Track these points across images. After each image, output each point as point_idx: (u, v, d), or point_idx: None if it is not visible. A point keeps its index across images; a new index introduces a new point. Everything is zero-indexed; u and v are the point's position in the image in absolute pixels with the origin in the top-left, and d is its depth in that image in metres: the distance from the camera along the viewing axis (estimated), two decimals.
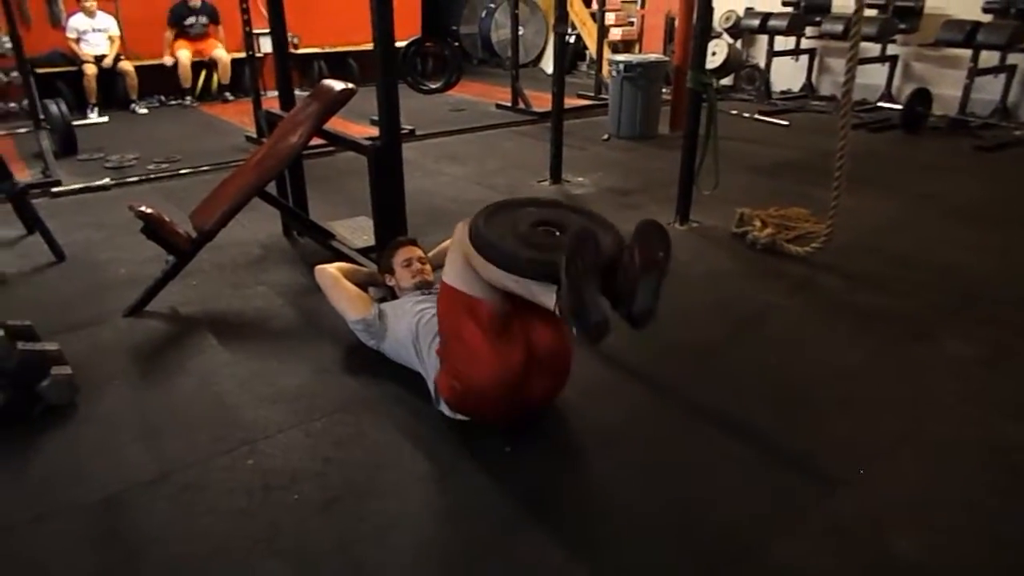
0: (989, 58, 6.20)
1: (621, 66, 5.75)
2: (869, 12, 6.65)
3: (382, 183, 2.76)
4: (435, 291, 2.47)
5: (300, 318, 2.86)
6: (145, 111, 7.11)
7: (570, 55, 9.55)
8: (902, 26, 6.81)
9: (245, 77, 7.82)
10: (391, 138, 2.70)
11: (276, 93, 3.54)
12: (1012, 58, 6.21)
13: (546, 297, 1.84)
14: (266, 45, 6.56)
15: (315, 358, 2.56)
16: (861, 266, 3.34)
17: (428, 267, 2.62)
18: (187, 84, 7.41)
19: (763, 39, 7.92)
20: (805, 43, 7.74)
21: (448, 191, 4.49)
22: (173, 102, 7.50)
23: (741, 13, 7.87)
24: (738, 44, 8.37)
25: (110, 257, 3.43)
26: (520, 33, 10.35)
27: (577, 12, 9.00)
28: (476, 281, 1.96)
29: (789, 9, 7.55)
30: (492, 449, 2.03)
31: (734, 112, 7.06)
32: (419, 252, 2.66)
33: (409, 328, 2.33)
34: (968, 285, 3.12)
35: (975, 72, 6.17)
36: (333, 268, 2.67)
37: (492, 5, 9.79)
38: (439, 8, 9.74)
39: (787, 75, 8.01)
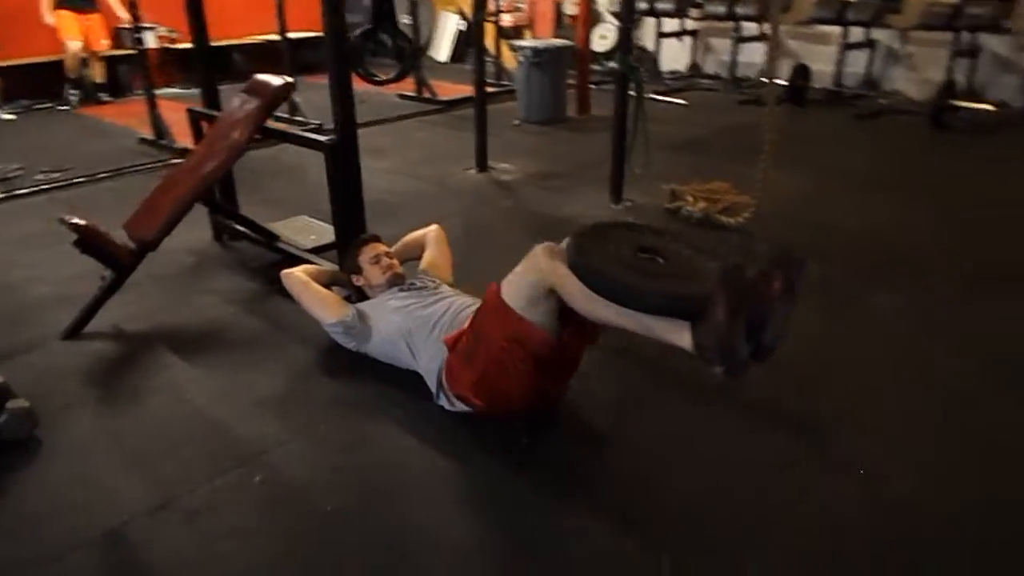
0: (856, 34, 6.77)
1: (529, 51, 5.81)
2: None
3: (341, 178, 2.68)
4: (415, 286, 2.45)
5: (260, 324, 2.74)
6: (11, 117, 6.44)
7: (460, 43, 9.55)
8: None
9: (120, 75, 7.30)
10: (347, 132, 2.62)
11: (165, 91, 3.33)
12: (875, 33, 6.80)
13: (676, 335, 1.69)
14: (148, 40, 6.19)
15: (290, 364, 2.47)
16: (788, 234, 3.57)
17: (396, 262, 2.58)
18: (73, 74, 6.75)
19: (650, 22, 8.24)
20: (689, 24, 8.11)
21: (379, 183, 4.38)
22: (42, 105, 6.84)
23: None
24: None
25: (24, 276, 3.13)
26: (406, 22, 10.26)
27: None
28: (543, 311, 1.86)
29: None
30: (503, 440, 2.03)
31: (632, 94, 7.30)
32: (384, 247, 2.61)
33: (399, 327, 2.29)
34: (884, 246, 3.43)
35: (845, 47, 6.73)
36: (300, 271, 2.58)
37: None
38: None
39: (673, 56, 8.36)
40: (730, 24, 7.60)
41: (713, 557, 1.65)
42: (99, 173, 4.63)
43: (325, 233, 3.24)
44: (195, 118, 3.27)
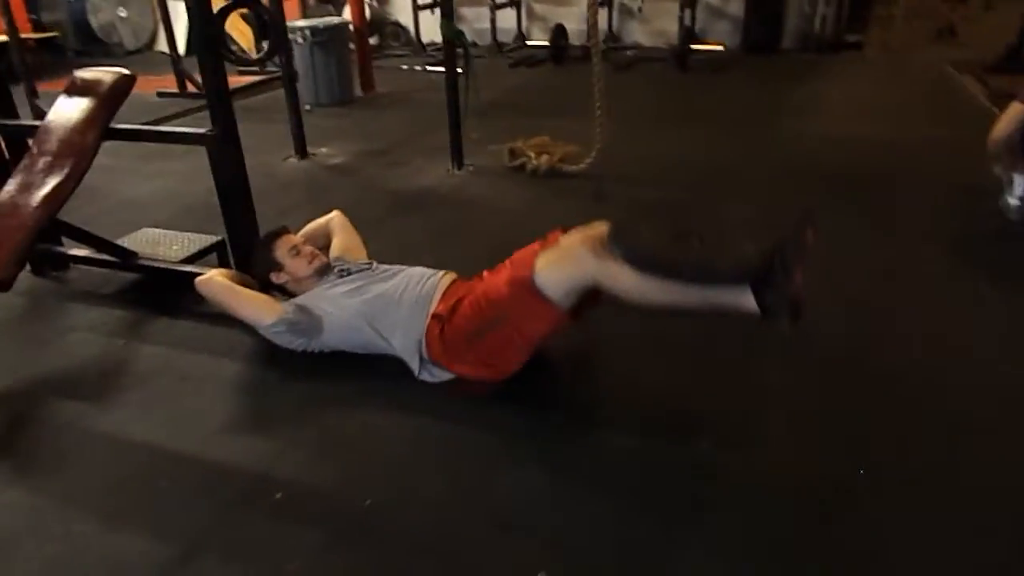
0: None
1: (308, 32, 5.55)
2: None
3: (226, 173, 2.44)
4: (351, 270, 2.34)
5: (164, 348, 2.41)
6: None
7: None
8: None
9: None
10: (227, 123, 2.38)
11: None
12: None
13: (740, 300, 1.76)
14: None
15: (230, 379, 2.23)
16: (626, 170, 3.95)
17: (317, 250, 2.43)
18: None
19: None
20: None
21: (201, 187, 3.97)
22: None
23: None
24: (375, 3, 8.60)
25: None
26: (123, 16, 9.11)
27: None
28: (573, 299, 1.92)
29: None
30: (505, 395, 2.05)
31: (405, 68, 7.33)
32: (297, 238, 2.45)
33: (357, 310, 2.18)
34: (709, 167, 3.95)
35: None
36: (219, 275, 2.32)
37: None
38: None
39: (429, 28, 8.45)
40: None
41: None
42: None
43: (189, 242, 2.91)
44: (5, 132, 2.70)
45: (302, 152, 4.46)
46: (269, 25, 2.44)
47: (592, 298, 1.97)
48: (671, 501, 1.67)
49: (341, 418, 2.03)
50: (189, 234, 2.98)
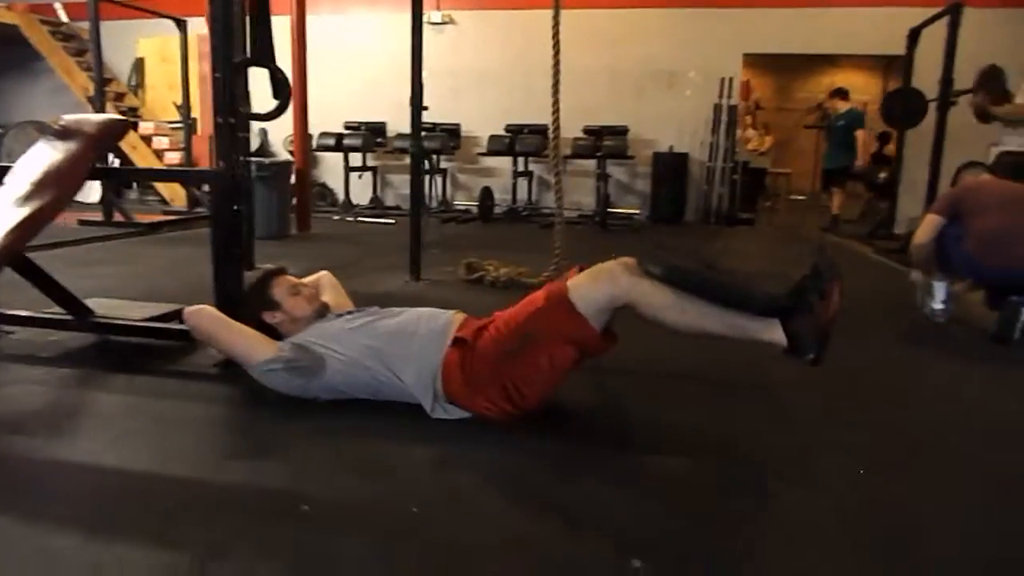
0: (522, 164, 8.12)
1: (254, 166, 5.63)
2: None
3: (227, 211, 2.35)
4: (353, 312, 2.23)
5: (129, 396, 2.12)
6: None
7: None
8: (451, 144, 8.32)
9: None
10: (234, 162, 2.34)
11: None
12: (532, 166, 8.23)
13: (768, 331, 1.82)
14: None
15: (216, 420, 2.01)
16: None
17: (316, 291, 2.33)
18: None
19: (327, 157, 8.68)
20: (371, 162, 8.70)
21: (127, 288, 3.72)
22: None
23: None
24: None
25: None
26: None
27: (127, 138, 8.27)
28: (605, 319, 1.89)
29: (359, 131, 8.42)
30: (528, 440, 1.94)
31: (336, 218, 7.51)
32: (296, 280, 2.33)
33: (366, 346, 2.03)
34: None
35: (517, 175, 8.00)
36: (209, 308, 2.14)
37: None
38: None
39: (353, 191, 8.73)
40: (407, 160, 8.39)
41: None
42: None
43: (149, 308, 2.69)
44: None
45: (250, 267, 4.33)
46: (281, 82, 2.48)
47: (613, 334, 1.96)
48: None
49: (356, 446, 1.83)
50: (145, 303, 2.77)
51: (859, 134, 7.34)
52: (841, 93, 7.67)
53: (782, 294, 1.85)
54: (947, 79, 5.60)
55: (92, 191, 8.52)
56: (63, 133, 2.41)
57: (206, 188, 5.40)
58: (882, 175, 9.09)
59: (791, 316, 1.81)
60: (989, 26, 7.01)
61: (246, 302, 2.27)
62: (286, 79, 2.54)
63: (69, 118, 2.47)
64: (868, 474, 1.72)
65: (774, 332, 1.82)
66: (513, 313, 1.99)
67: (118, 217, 5.99)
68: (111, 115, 2.44)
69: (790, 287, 1.85)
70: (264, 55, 2.42)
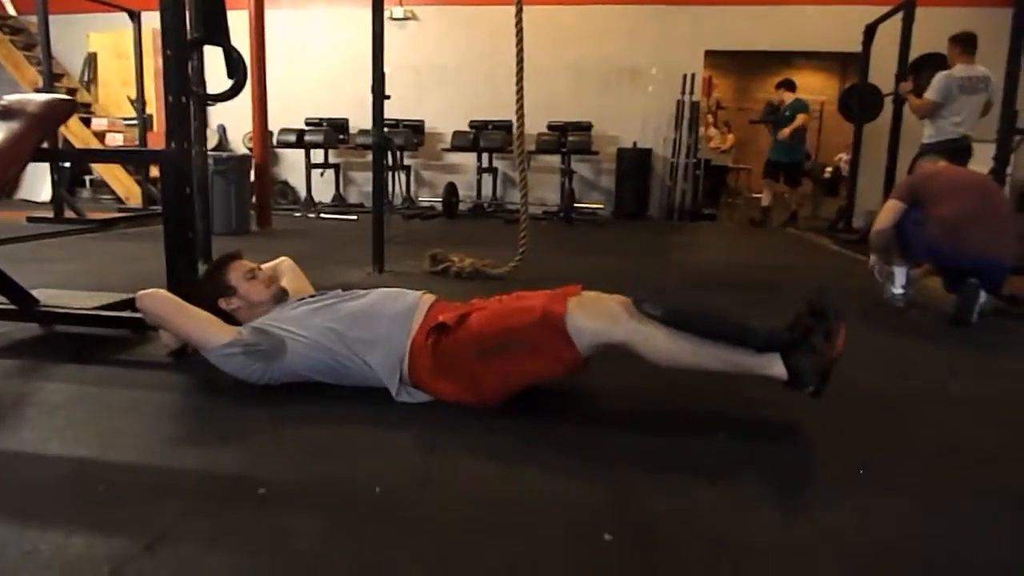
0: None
1: (211, 160, 5.49)
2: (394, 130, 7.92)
3: (179, 191, 2.26)
4: (314, 296, 2.17)
5: (76, 385, 2.02)
6: None
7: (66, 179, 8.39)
8: (415, 141, 8.25)
9: None
10: (182, 142, 2.26)
11: None
12: (497, 163, 8.20)
13: (767, 366, 1.78)
14: None
15: (168, 405, 1.92)
16: (549, 275, 4.04)
17: (273, 274, 2.26)
18: None
19: (288, 154, 8.53)
20: (333, 159, 8.58)
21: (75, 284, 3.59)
22: None
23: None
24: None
25: None
26: None
27: (76, 133, 8.01)
28: (593, 347, 1.83)
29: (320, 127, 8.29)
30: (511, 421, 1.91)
31: (298, 215, 7.37)
32: (251, 263, 2.26)
33: (328, 328, 1.97)
34: (632, 275, 4.18)
35: (481, 171, 7.95)
36: (164, 292, 2.05)
37: None
38: None
39: (316, 188, 8.63)
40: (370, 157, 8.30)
41: None
42: None
43: (99, 297, 2.59)
44: None
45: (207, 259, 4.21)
46: (236, 61, 2.41)
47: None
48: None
49: (318, 430, 1.76)
50: (95, 292, 2.66)
51: (800, 116, 7.25)
52: (788, 84, 7.52)
53: (782, 329, 1.82)
54: (902, 74, 5.72)
55: (43, 190, 8.30)
56: (5, 113, 2.30)
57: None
58: (827, 170, 9.34)
59: (792, 352, 1.78)
60: (942, 22, 7.18)
61: (200, 288, 2.19)
62: (241, 57, 2.46)
63: (11, 98, 2.35)
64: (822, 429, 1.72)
65: (774, 367, 1.79)
66: (502, 312, 1.93)
67: (70, 214, 5.81)
68: (56, 95, 2.32)
69: (789, 322, 1.83)
70: (217, 33, 2.34)
